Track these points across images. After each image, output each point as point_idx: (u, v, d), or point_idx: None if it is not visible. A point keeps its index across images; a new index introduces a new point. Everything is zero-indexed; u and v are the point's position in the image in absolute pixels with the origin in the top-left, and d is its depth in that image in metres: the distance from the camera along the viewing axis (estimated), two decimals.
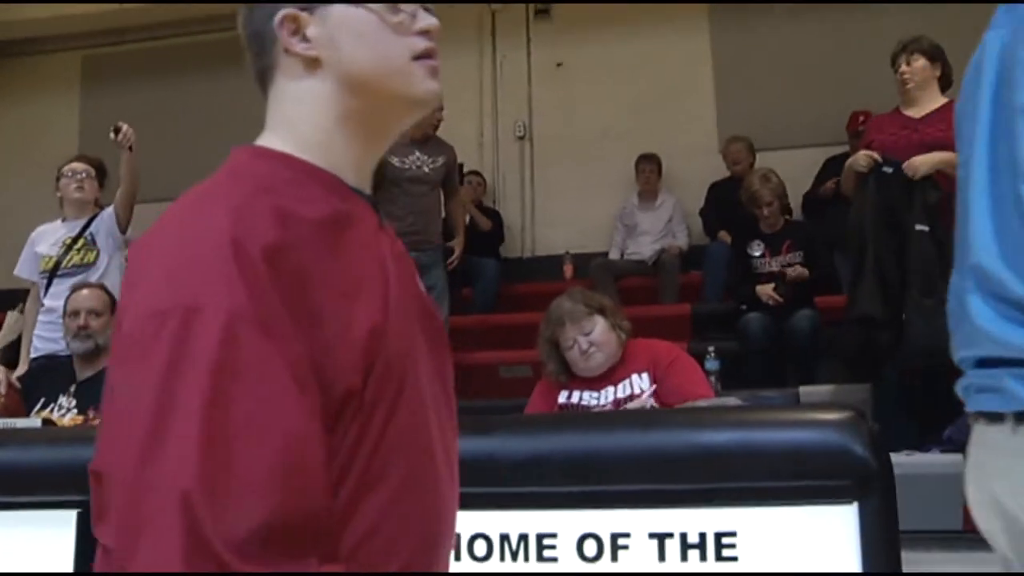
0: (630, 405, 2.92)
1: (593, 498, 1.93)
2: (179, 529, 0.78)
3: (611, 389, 2.98)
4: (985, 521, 1.34)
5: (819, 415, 1.91)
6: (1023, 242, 1.22)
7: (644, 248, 6.03)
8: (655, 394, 2.92)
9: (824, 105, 5.89)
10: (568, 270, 6.07)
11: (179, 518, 0.78)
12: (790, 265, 4.63)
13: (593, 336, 2.95)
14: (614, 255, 6.12)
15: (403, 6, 1.01)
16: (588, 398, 3.00)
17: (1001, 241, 1.25)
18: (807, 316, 4.40)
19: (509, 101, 6.86)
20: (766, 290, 4.60)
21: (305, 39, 1.00)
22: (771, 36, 6.41)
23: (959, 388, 1.40)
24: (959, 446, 3.44)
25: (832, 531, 1.81)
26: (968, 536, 3.32)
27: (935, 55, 3.96)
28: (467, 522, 1.93)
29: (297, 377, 0.85)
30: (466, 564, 1.94)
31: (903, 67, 3.94)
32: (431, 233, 5.02)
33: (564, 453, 1.98)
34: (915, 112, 3.95)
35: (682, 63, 6.61)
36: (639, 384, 2.95)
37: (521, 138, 6.84)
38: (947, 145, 3.71)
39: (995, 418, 1.27)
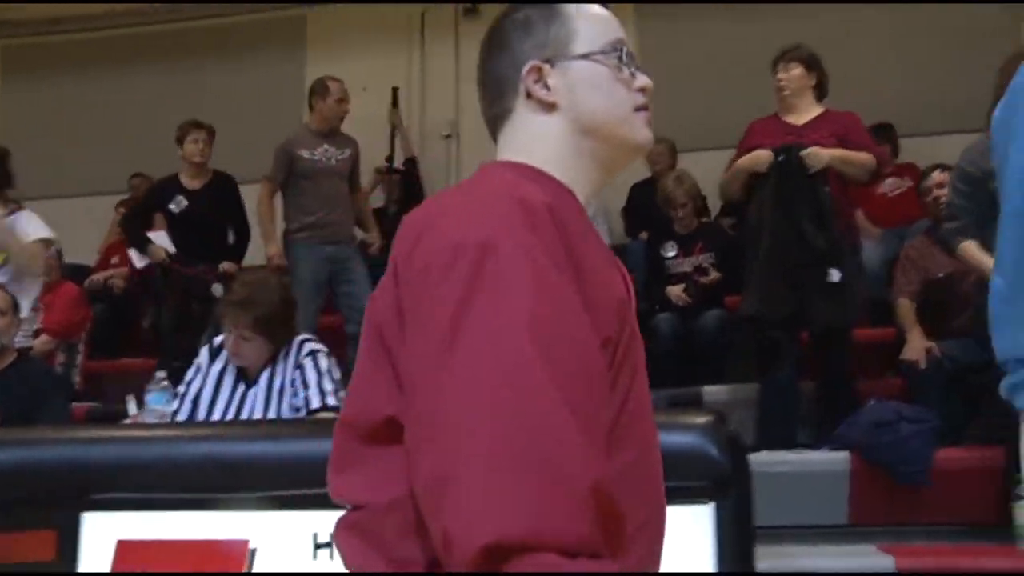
0: None
1: None
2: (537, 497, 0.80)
3: None
4: None
5: (678, 419, 1.99)
6: None
7: None
8: None
9: (748, 107, 5.98)
10: None
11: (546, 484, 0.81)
12: (702, 266, 4.74)
13: None
14: None
15: (626, 64, 1.19)
16: None
17: None
18: (715, 316, 4.51)
19: (437, 100, 6.90)
20: (676, 291, 4.70)
21: (546, 87, 1.17)
22: (697, 37, 6.52)
23: (1005, 387, 1.48)
24: (848, 444, 3.59)
25: (689, 531, 1.89)
26: (853, 529, 3.48)
27: (811, 64, 4.09)
28: None
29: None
30: None
31: (780, 75, 4.06)
32: (344, 225, 5.08)
33: None
34: (795, 119, 4.07)
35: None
36: None
37: (448, 137, 6.88)
38: None
39: None
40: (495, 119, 1.21)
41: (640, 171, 6.10)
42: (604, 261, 1.10)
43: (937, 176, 4.28)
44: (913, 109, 5.96)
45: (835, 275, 3.67)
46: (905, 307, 4.08)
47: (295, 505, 2.04)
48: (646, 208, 5.67)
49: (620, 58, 1.18)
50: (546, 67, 1.16)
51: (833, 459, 3.60)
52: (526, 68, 1.16)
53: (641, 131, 1.19)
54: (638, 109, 1.19)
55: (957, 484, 3.45)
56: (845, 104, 4.25)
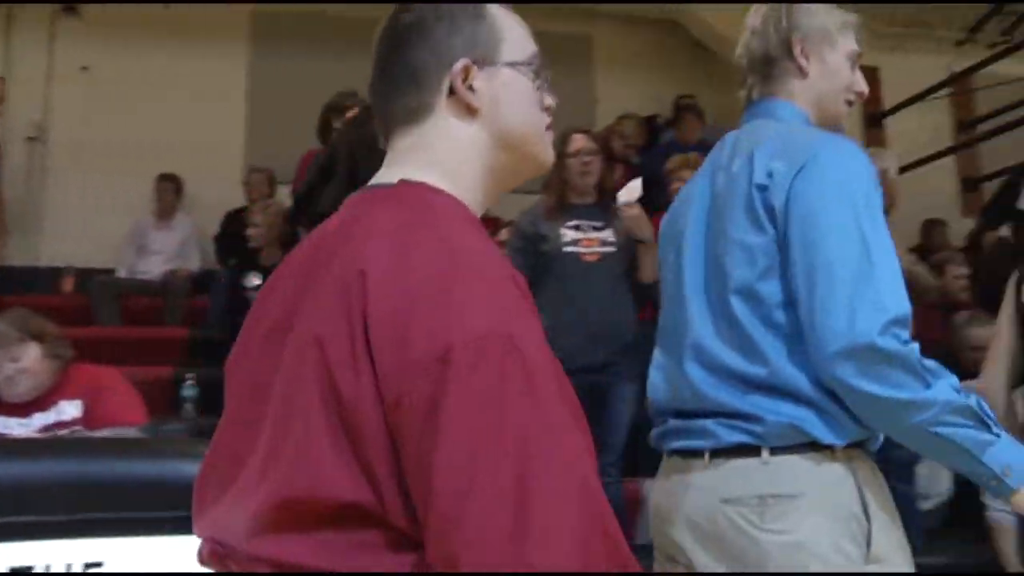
0: (60, 432, 2.91)
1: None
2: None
3: (39, 416, 2.94)
4: (681, 540, 1.60)
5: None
6: (733, 333, 1.57)
7: (154, 268, 5.94)
8: (84, 421, 2.93)
9: None
10: (68, 283, 5.81)
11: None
12: None
13: (22, 363, 2.90)
14: (122, 273, 5.96)
15: (543, 80, 1.15)
16: (15, 425, 2.93)
17: (716, 327, 1.60)
18: None
19: (23, 99, 6.42)
20: None
21: (471, 89, 1.09)
22: (309, 72, 6.63)
23: (655, 434, 1.72)
24: None
25: None
26: None
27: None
28: None
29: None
30: None
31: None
32: None
33: None
34: None
35: (217, 85, 6.63)
36: (70, 411, 2.95)
37: (33, 139, 6.44)
38: None
39: (694, 454, 1.59)
40: (406, 111, 1.12)
41: (241, 199, 6.08)
42: None
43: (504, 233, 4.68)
44: None
45: None
46: None
47: None
48: (238, 237, 5.67)
49: (538, 73, 1.15)
50: (474, 68, 1.10)
51: None
52: (458, 65, 1.09)
53: (549, 151, 1.17)
54: (547, 128, 1.17)
55: None
56: None
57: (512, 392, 0.86)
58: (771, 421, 1.51)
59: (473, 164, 1.11)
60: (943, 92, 7.33)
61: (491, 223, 4.83)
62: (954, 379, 1.49)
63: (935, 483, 3.79)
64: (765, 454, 1.51)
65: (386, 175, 1.11)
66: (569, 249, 3.58)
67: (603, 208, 3.69)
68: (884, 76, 8.19)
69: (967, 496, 3.41)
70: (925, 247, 6.37)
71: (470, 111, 1.10)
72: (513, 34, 1.14)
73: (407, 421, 0.87)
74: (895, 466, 2.28)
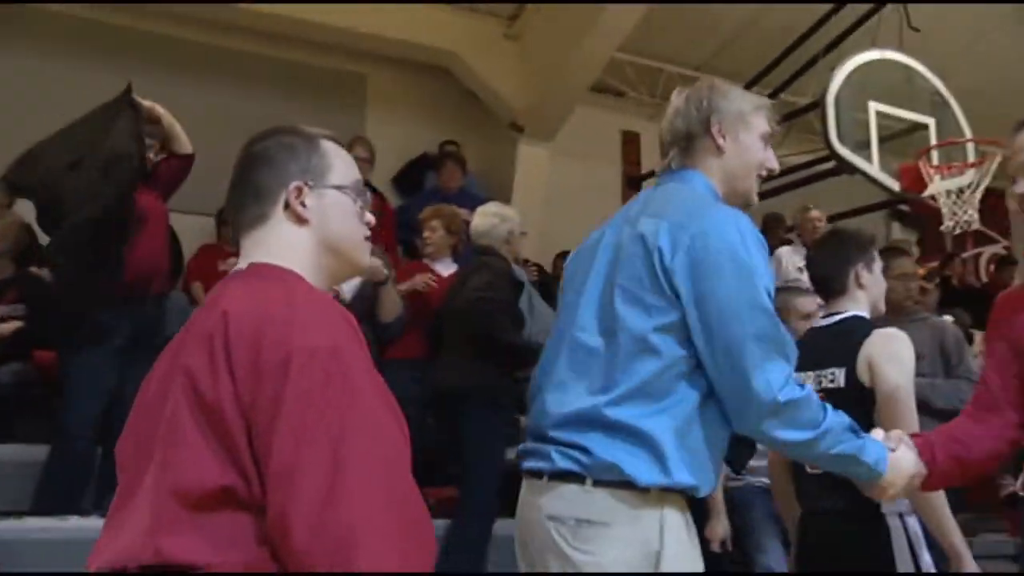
0: None
1: None
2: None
3: None
4: (532, 547, 1.82)
5: None
6: (602, 375, 1.77)
7: None
8: None
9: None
10: None
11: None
12: (7, 317, 4.46)
13: None
14: None
15: (363, 201, 1.47)
16: None
17: (587, 366, 1.80)
18: (12, 370, 4.26)
19: None
20: None
21: (303, 204, 1.40)
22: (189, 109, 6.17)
23: (519, 449, 1.93)
24: None
25: None
26: None
27: None
28: None
29: None
30: None
31: None
32: None
33: None
34: None
35: None
36: None
37: None
38: None
39: (538, 474, 1.81)
40: (250, 218, 1.41)
41: None
42: None
43: None
44: None
45: None
46: None
47: None
48: None
49: (359, 195, 1.46)
50: (306, 188, 1.40)
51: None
52: (292, 185, 1.40)
53: (367, 257, 1.49)
54: (366, 238, 1.47)
55: None
56: None
57: (335, 387, 1.17)
58: (598, 457, 1.71)
59: (304, 262, 1.38)
60: None
61: None
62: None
63: None
64: (588, 483, 1.72)
65: (237, 268, 1.39)
66: None
67: None
68: (645, 141, 8.75)
69: None
70: None
71: (301, 221, 1.40)
72: (340, 163, 1.46)
73: (259, 417, 1.16)
74: None
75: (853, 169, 5.99)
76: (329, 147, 1.46)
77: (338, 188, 1.43)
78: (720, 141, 1.90)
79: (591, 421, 1.73)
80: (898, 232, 8.82)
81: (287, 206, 1.39)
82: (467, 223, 4.47)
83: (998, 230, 8.76)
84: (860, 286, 2.59)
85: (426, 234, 4.61)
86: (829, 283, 2.65)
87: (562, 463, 1.75)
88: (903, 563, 2.35)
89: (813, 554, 2.54)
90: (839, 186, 6.20)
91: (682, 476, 1.71)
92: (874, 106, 6.11)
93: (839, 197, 5.91)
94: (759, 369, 1.68)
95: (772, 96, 7.62)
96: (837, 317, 2.61)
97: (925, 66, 6.40)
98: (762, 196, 2.07)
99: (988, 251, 9.35)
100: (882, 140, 6.10)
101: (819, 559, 2.49)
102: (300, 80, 7.11)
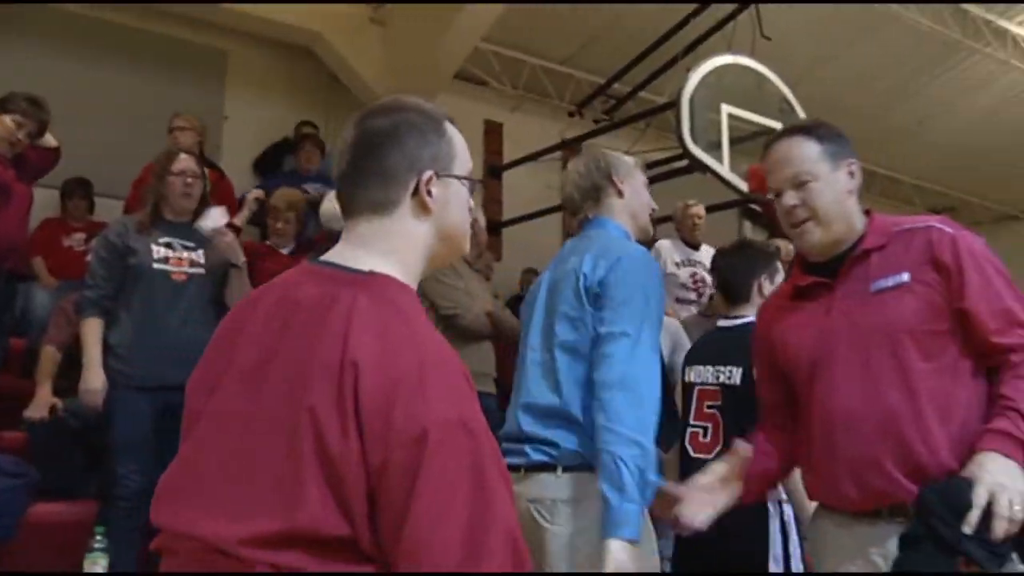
0: None
1: None
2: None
3: None
4: None
5: None
6: (552, 379, 2.24)
7: None
8: None
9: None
10: None
11: None
12: None
13: None
14: None
15: (473, 191, 1.49)
16: None
17: (543, 374, 2.28)
18: None
19: None
20: None
21: (430, 193, 1.38)
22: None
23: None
24: None
25: None
26: None
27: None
28: None
29: None
30: None
31: None
32: None
33: None
34: None
35: None
36: None
37: None
38: None
39: (515, 469, 2.15)
40: (371, 202, 1.38)
41: None
42: None
43: None
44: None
45: None
46: (47, 356, 4.06)
47: None
48: None
49: (473, 185, 1.47)
50: (435, 178, 1.39)
51: None
52: (427, 174, 1.38)
53: (468, 243, 1.49)
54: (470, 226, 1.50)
55: (46, 536, 3.51)
56: None
57: (465, 465, 1.19)
58: (563, 448, 2.18)
59: (419, 254, 1.40)
60: (555, 155, 8.02)
61: None
62: None
63: None
64: (559, 471, 2.18)
65: (350, 257, 1.36)
66: (159, 266, 3.56)
67: (196, 230, 3.70)
68: (507, 132, 8.83)
69: None
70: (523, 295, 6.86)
71: (425, 211, 1.39)
72: (463, 153, 1.46)
73: (390, 481, 1.17)
74: None
75: (705, 168, 6.19)
76: (453, 132, 1.46)
77: (459, 178, 1.44)
78: (621, 186, 2.43)
79: (553, 416, 2.21)
80: (749, 231, 9.17)
81: (414, 193, 1.38)
82: (317, 203, 4.51)
83: None
84: (762, 295, 3.03)
85: (280, 224, 4.71)
86: (735, 290, 3.12)
87: (535, 456, 2.21)
88: (775, 542, 2.79)
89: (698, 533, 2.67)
90: (694, 183, 6.39)
91: None
92: (726, 108, 6.33)
93: (694, 194, 6.09)
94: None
95: (632, 94, 7.84)
96: (739, 321, 3.06)
97: (775, 73, 6.67)
98: None
99: None
100: (733, 142, 6.32)
101: (703, 536, 2.61)
102: (156, 52, 6.88)
